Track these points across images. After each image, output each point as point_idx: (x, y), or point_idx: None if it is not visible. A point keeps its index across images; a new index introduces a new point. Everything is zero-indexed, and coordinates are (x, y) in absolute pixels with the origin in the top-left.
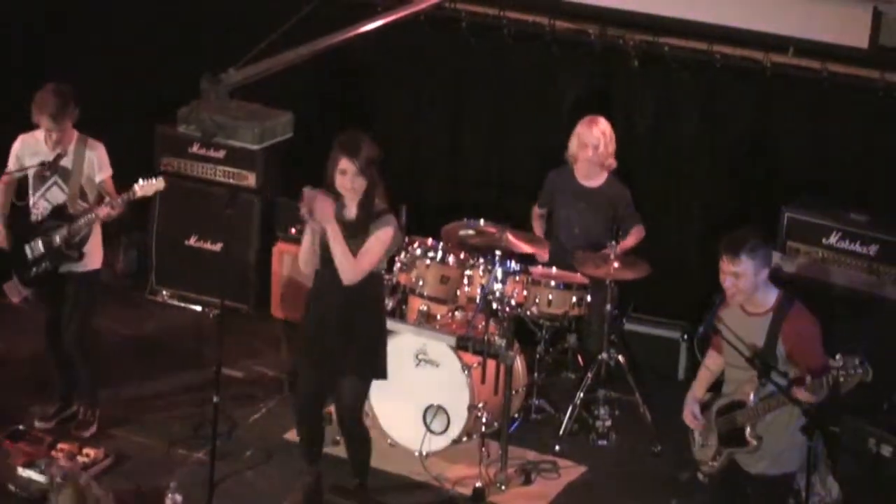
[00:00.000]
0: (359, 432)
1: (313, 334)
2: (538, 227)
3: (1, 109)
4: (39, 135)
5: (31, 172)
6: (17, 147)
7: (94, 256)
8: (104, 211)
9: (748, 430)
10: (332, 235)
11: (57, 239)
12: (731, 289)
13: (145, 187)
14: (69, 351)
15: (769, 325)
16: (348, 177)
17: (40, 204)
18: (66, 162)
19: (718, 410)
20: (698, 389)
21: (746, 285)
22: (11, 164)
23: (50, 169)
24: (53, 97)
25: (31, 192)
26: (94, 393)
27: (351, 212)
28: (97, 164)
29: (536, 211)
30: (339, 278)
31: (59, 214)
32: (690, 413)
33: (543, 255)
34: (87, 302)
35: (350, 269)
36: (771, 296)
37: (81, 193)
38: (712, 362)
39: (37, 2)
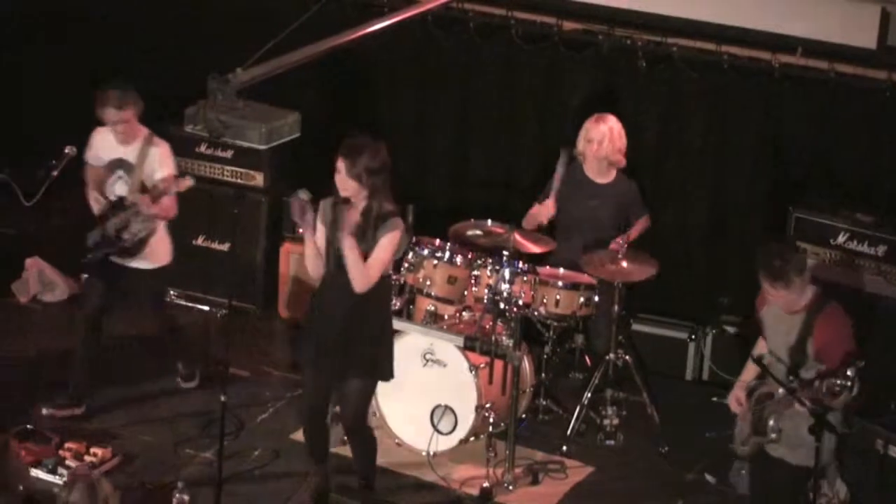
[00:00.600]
0: (364, 433)
1: (318, 336)
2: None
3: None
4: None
5: (103, 164)
6: (94, 138)
7: (158, 254)
8: (143, 204)
9: (770, 422)
10: (349, 247)
11: (110, 228)
12: (785, 305)
13: (184, 182)
14: (164, 325)
15: (802, 322)
16: (339, 177)
17: (109, 196)
18: (130, 157)
19: (757, 398)
20: (746, 374)
21: (796, 297)
22: (88, 155)
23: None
24: (118, 91)
25: (106, 182)
26: (187, 352)
27: (356, 216)
28: (158, 161)
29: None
30: (343, 280)
31: (118, 205)
32: (735, 398)
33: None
34: (151, 295)
35: (362, 278)
36: (808, 294)
37: (143, 189)
38: (760, 349)
39: (41, 2)
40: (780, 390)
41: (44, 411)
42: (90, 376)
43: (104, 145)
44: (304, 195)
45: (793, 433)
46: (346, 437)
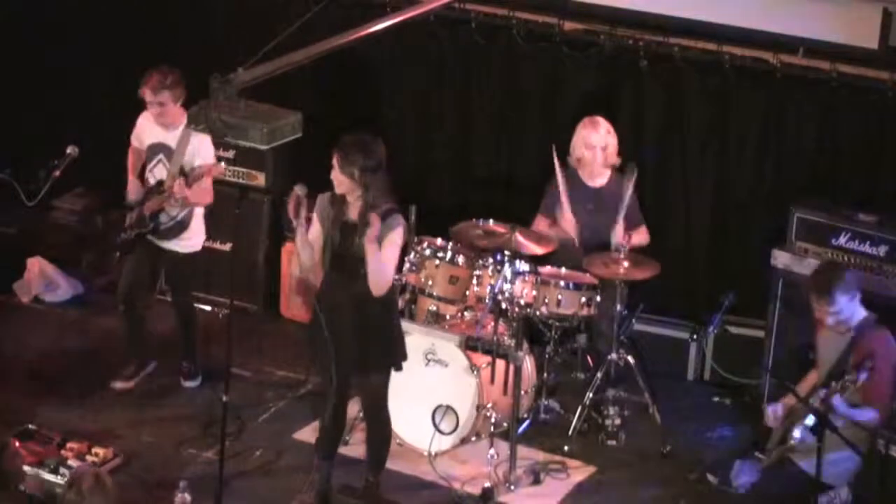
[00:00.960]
0: (383, 423)
1: (330, 334)
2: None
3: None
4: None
5: (144, 148)
6: (139, 121)
7: (193, 240)
8: (176, 187)
9: (793, 430)
10: (372, 252)
11: (146, 209)
12: (834, 324)
13: (215, 167)
14: (182, 316)
15: (848, 343)
16: (333, 173)
17: (149, 179)
18: (171, 141)
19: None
20: (801, 388)
21: (847, 316)
22: (134, 138)
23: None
24: (158, 73)
25: (145, 166)
26: (194, 350)
27: (353, 213)
28: (199, 149)
29: (545, 221)
30: (346, 280)
31: (156, 189)
32: (771, 411)
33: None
34: (181, 278)
35: (381, 282)
36: (858, 316)
37: (182, 173)
38: (811, 379)
39: (42, 1)
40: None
41: (117, 385)
42: (145, 346)
43: (147, 128)
44: (300, 190)
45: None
46: (347, 438)
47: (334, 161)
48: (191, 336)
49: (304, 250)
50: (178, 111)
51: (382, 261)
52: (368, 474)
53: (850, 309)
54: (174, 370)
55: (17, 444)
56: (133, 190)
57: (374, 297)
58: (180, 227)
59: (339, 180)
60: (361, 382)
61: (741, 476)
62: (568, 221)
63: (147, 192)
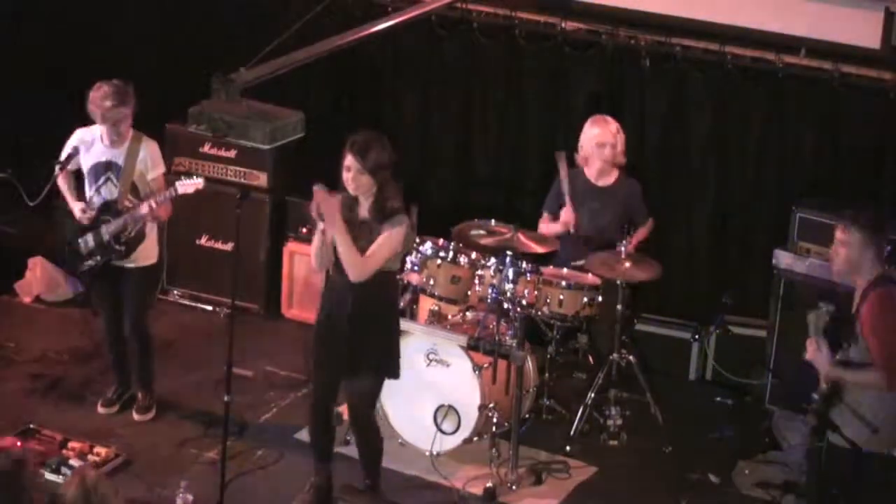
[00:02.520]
0: (370, 432)
1: (325, 334)
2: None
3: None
4: (96, 130)
5: (85, 167)
6: (74, 139)
7: (148, 252)
8: (144, 208)
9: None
10: (338, 232)
11: (105, 233)
12: (832, 254)
13: (186, 186)
14: (129, 342)
15: (855, 304)
16: (350, 174)
17: (94, 199)
18: (118, 158)
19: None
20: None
21: (846, 257)
22: (64, 161)
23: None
24: (118, 85)
25: (86, 186)
26: (151, 380)
27: (363, 211)
28: (150, 161)
29: (546, 217)
30: (349, 281)
31: (108, 209)
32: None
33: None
34: (140, 296)
35: (356, 266)
36: (867, 277)
37: (133, 189)
38: None
39: (42, 1)
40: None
41: (101, 410)
42: (127, 366)
43: (89, 149)
44: (321, 189)
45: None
46: (348, 438)
47: (351, 163)
48: (149, 365)
49: (323, 252)
50: (129, 127)
51: (371, 250)
52: (366, 479)
53: (857, 257)
54: (178, 369)
55: (32, 460)
56: (83, 216)
57: (376, 304)
58: (137, 240)
59: (360, 181)
60: (351, 386)
61: (743, 476)
62: (568, 213)
63: (100, 213)
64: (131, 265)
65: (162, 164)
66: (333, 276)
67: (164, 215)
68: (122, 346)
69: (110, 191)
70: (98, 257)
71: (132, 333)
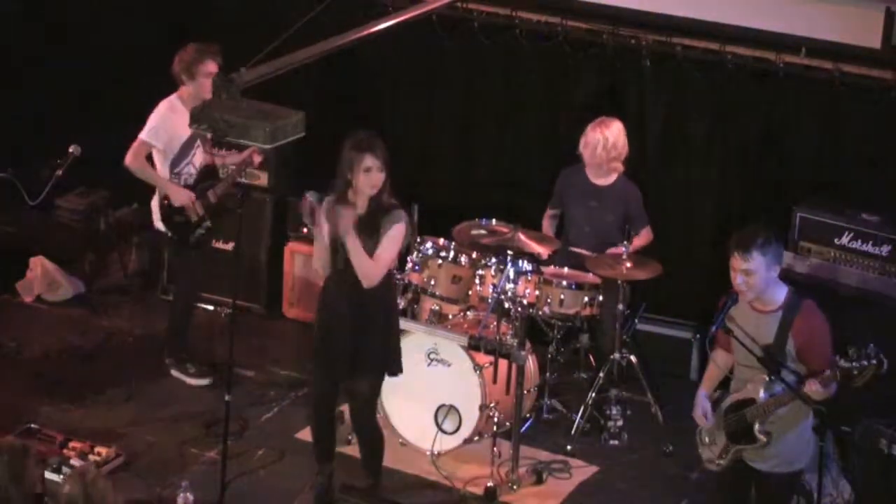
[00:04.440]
0: (372, 431)
1: (325, 334)
2: (547, 228)
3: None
4: (177, 104)
5: (177, 143)
6: (164, 118)
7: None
8: (240, 156)
9: (757, 426)
10: (353, 244)
11: (211, 197)
12: (742, 286)
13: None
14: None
15: (779, 322)
16: (373, 173)
17: (184, 171)
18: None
19: (728, 408)
20: (707, 387)
21: (758, 282)
22: (154, 139)
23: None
24: (217, 45)
25: (176, 160)
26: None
27: (361, 208)
28: None
29: (548, 212)
30: (348, 280)
31: (209, 174)
32: (701, 411)
33: (544, 253)
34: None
35: (369, 274)
36: (781, 293)
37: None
38: (721, 360)
39: (43, 1)
40: (762, 394)
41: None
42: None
43: (179, 122)
44: (311, 196)
45: (780, 438)
46: (350, 437)
47: (371, 162)
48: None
49: (319, 258)
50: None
51: (379, 252)
52: (367, 479)
53: (766, 277)
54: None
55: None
56: (180, 195)
57: (376, 302)
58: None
59: (380, 179)
60: (351, 386)
61: None
62: None
63: (199, 182)
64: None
65: None
66: (333, 276)
67: (256, 159)
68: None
69: (200, 158)
70: (208, 223)
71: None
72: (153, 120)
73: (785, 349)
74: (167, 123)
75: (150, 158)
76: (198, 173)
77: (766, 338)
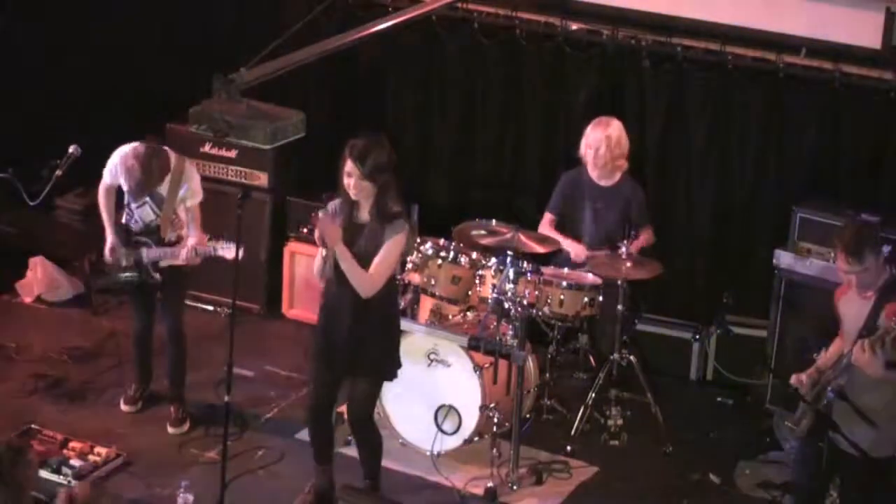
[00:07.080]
0: (370, 433)
1: (325, 336)
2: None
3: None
4: (134, 166)
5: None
6: (114, 162)
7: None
8: (184, 253)
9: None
10: (342, 257)
11: (144, 256)
12: (860, 286)
13: (225, 250)
14: (168, 344)
15: (873, 304)
16: (352, 180)
17: (136, 212)
18: (162, 188)
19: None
20: (821, 361)
21: (872, 277)
22: (109, 175)
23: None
24: (141, 163)
25: (127, 199)
26: (184, 391)
27: (364, 215)
28: (192, 192)
29: (548, 217)
30: (348, 284)
31: (150, 233)
32: (797, 378)
33: (580, 252)
34: (177, 297)
35: (363, 284)
36: (883, 276)
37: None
38: (835, 347)
39: (43, 2)
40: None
41: (125, 408)
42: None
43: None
44: (321, 213)
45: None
46: (350, 438)
47: (351, 168)
48: (182, 373)
49: (325, 267)
50: (169, 159)
51: (376, 264)
52: (367, 479)
53: (877, 269)
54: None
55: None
56: (114, 243)
57: (375, 306)
58: (174, 243)
59: (361, 187)
60: (351, 388)
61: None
62: (579, 249)
63: (135, 237)
64: (171, 263)
65: (201, 193)
66: (333, 279)
67: (197, 262)
68: (150, 344)
69: (147, 214)
70: (135, 275)
71: (171, 335)
72: (110, 161)
73: (875, 330)
74: (119, 171)
75: None
76: (144, 226)
77: (860, 321)
